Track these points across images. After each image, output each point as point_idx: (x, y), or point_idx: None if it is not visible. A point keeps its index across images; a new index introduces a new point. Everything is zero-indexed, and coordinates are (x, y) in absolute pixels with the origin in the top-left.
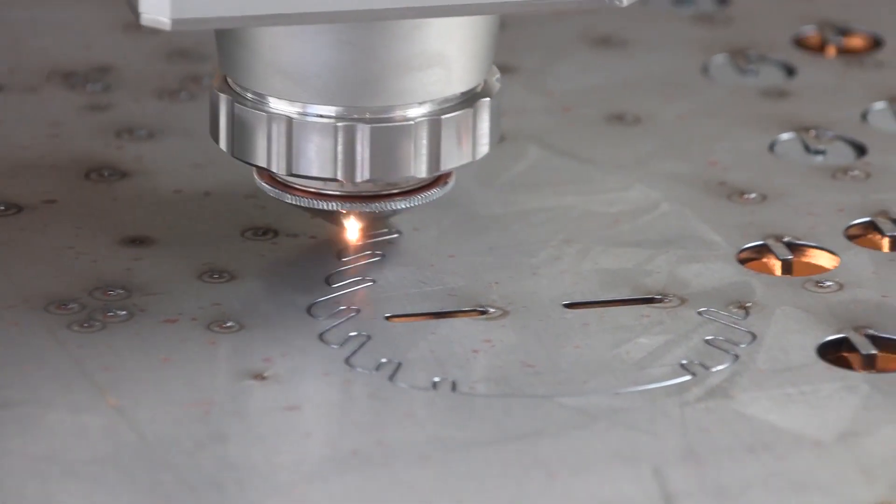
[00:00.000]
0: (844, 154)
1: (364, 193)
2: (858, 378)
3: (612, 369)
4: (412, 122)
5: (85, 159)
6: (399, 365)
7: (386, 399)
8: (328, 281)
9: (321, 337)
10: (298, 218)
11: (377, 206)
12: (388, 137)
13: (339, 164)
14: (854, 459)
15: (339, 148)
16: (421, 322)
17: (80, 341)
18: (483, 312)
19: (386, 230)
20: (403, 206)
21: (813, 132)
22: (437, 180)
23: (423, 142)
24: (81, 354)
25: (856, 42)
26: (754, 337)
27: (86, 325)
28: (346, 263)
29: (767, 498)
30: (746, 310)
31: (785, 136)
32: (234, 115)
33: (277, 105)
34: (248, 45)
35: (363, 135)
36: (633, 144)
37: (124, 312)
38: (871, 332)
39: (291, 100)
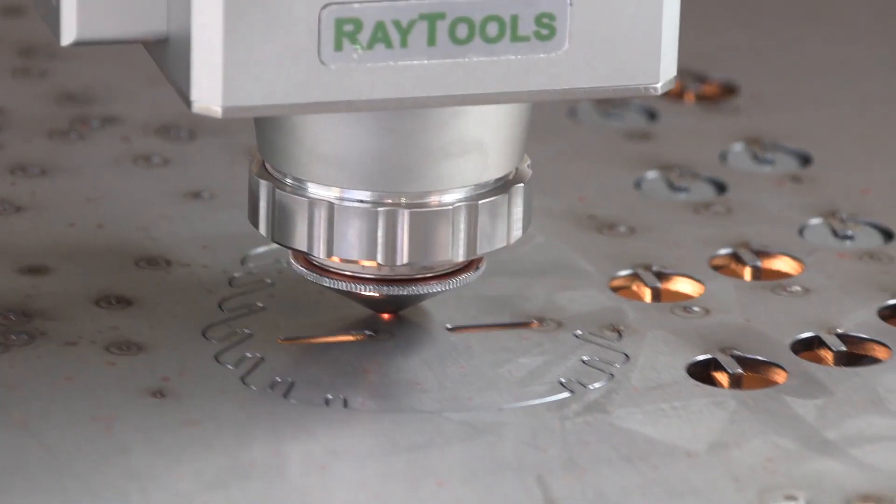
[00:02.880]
0: (706, 191)
1: (400, 277)
2: (726, 395)
3: (496, 387)
4: (450, 208)
5: None
6: (293, 384)
7: (281, 415)
8: (221, 307)
9: (216, 358)
10: (189, 248)
11: (413, 290)
12: (428, 222)
13: (380, 248)
14: (725, 468)
15: (380, 232)
16: (312, 345)
17: None
18: (371, 336)
19: (273, 260)
20: (439, 290)
21: (676, 171)
22: (470, 264)
23: (461, 226)
24: None
25: (713, 89)
26: (628, 357)
27: None
28: (238, 291)
29: (645, 503)
30: (620, 332)
31: (650, 174)
32: (274, 201)
33: (317, 190)
34: (289, 132)
35: (403, 219)
36: None
37: (25, 336)
38: (736, 352)
39: (331, 185)
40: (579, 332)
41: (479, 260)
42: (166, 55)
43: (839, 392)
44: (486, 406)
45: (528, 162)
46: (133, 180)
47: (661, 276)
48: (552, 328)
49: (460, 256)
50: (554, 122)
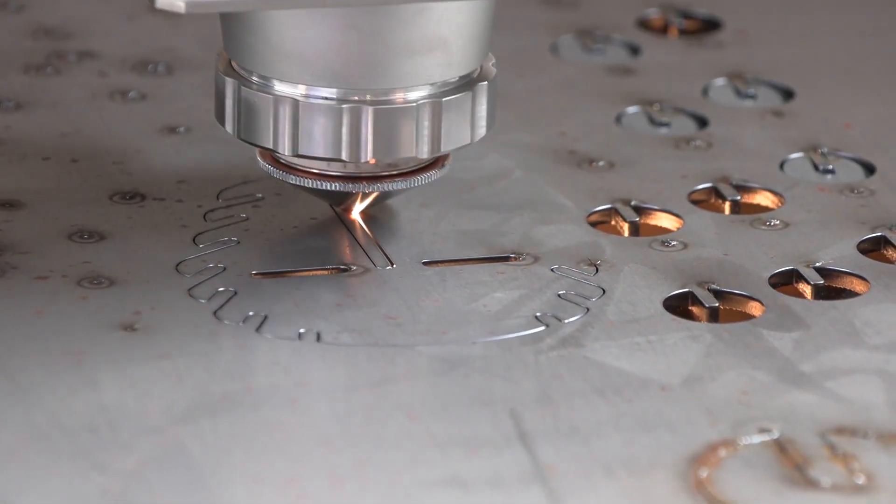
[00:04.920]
0: (687, 126)
1: (365, 175)
2: (702, 328)
3: (470, 321)
4: (414, 105)
5: None
6: (265, 317)
7: (253, 348)
8: (195, 241)
9: (189, 292)
10: (164, 183)
11: (378, 187)
12: (392, 119)
13: (345, 144)
14: (698, 401)
15: (345, 129)
16: (286, 279)
17: None
18: (346, 270)
19: (248, 195)
20: (403, 187)
21: (657, 105)
22: (436, 162)
23: (426, 123)
24: None
25: (696, 24)
26: (604, 291)
27: None
28: (212, 225)
29: (617, 436)
30: (596, 267)
31: (631, 109)
32: (240, 98)
33: (283, 88)
34: (255, 29)
35: (367, 116)
36: None
37: None
38: (713, 286)
39: (296, 82)
40: (555, 266)
41: (445, 158)
42: None
43: (816, 325)
44: (460, 340)
45: (493, 61)
46: (109, 115)
47: (640, 211)
48: (528, 262)
49: (424, 153)
50: (536, 57)
